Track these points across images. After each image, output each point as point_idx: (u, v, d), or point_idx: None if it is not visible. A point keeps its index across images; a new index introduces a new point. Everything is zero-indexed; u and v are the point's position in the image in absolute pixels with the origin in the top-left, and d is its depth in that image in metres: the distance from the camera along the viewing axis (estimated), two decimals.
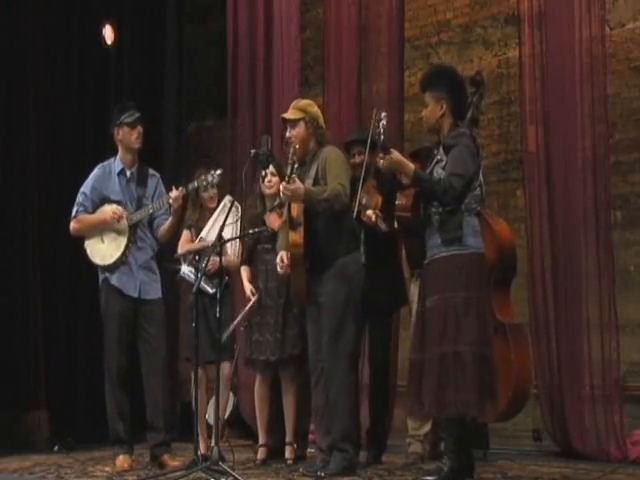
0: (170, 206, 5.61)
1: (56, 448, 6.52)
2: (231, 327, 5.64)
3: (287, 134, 5.27)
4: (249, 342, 5.74)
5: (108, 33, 7.73)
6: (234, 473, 4.81)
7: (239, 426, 7.24)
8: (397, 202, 5.13)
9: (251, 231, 5.64)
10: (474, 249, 4.65)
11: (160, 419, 5.65)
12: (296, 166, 5.09)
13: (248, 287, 5.82)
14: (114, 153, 5.88)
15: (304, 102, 5.39)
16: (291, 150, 5.14)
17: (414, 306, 5.68)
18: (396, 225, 5.30)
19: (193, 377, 5.46)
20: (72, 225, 5.80)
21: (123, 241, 5.68)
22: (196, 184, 5.60)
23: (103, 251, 5.72)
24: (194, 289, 5.25)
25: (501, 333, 4.87)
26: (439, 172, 4.68)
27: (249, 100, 7.32)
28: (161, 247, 5.91)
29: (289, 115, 5.29)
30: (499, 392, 4.61)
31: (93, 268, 5.79)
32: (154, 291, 5.76)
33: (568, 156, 5.97)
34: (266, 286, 5.73)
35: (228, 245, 5.65)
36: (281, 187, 5.12)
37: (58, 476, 5.39)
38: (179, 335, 6.68)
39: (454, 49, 7.29)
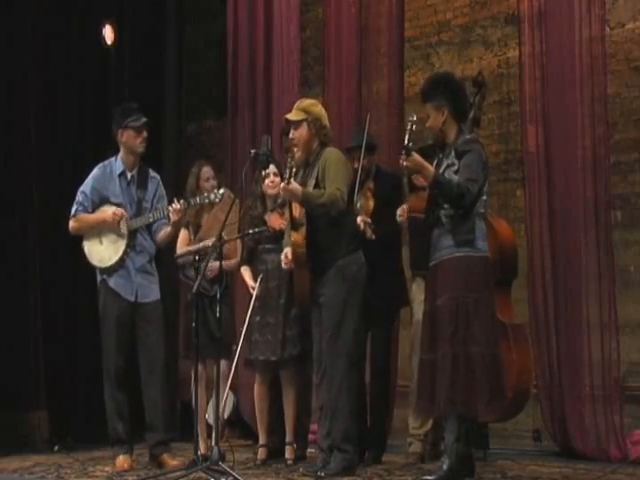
0: (169, 216, 5.55)
1: (56, 448, 6.51)
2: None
3: (290, 135, 5.26)
4: (249, 342, 5.74)
5: (108, 33, 7.72)
6: (234, 473, 4.81)
7: (239, 426, 7.23)
8: (409, 204, 5.27)
9: (251, 231, 5.63)
10: (483, 252, 4.74)
11: (159, 419, 5.65)
12: (294, 170, 5.08)
13: (251, 283, 5.79)
14: (115, 153, 5.87)
15: (307, 102, 5.37)
16: (290, 156, 5.14)
17: (414, 305, 5.70)
18: (406, 225, 5.42)
19: (193, 375, 5.45)
20: (71, 224, 5.79)
21: (122, 245, 5.67)
22: (198, 200, 5.56)
23: (101, 253, 5.71)
24: (194, 290, 5.24)
25: (502, 333, 4.88)
26: (451, 176, 4.73)
27: (249, 100, 7.32)
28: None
29: (291, 116, 5.27)
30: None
31: (92, 268, 5.79)
32: (152, 293, 5.75)
33: (568, 156, 5.96)
34: (266, 286, 5.72)
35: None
36: (280, 187, 5.13)
37: (58, 476, 5.40)
38: (178, 334, 6.67)
39: (454, 49, 7.28)
